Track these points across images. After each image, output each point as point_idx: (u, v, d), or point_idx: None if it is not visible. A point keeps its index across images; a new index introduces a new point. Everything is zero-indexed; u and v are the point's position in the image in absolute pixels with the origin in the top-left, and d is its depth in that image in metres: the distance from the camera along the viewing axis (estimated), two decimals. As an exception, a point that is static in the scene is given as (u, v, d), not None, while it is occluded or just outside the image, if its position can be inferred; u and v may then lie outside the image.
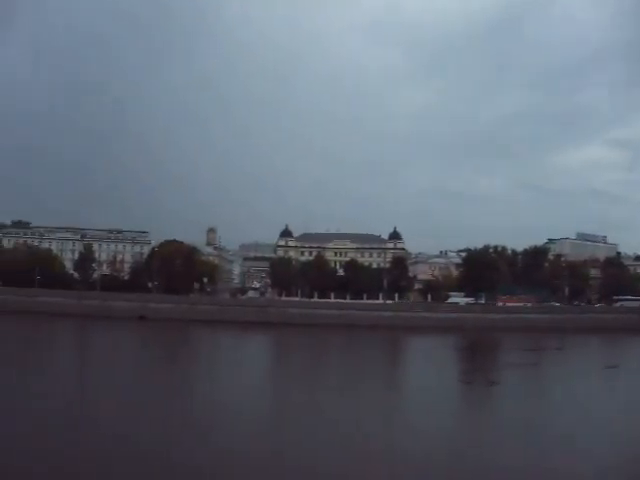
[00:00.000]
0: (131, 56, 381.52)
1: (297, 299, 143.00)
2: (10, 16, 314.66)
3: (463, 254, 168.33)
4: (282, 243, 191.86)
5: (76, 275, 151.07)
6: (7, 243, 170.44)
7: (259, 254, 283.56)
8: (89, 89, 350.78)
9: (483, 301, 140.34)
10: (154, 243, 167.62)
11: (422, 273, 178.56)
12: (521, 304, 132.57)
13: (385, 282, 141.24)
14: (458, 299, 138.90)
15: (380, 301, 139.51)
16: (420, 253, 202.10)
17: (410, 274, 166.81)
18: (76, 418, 30.43)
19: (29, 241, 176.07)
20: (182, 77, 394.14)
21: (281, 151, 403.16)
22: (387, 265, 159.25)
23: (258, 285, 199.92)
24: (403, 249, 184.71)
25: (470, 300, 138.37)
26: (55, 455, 23.56)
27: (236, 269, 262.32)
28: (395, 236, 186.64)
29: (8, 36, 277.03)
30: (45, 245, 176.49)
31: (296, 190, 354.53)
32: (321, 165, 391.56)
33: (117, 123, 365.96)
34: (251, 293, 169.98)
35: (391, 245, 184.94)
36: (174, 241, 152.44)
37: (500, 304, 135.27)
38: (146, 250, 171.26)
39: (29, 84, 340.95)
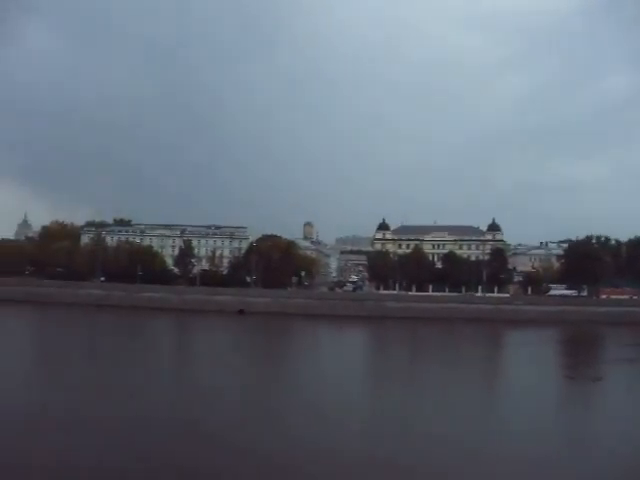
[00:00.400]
0: (234, 50, 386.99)
1: (395, 292, 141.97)
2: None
3: (564, 245, 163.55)
4: (379, 236, 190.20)
5: (176, 271, 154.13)
6: (110, 241, 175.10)
7: (356, 248, 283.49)
8: (189, 89, 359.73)
9: (585, 294, 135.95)
10: (252, 238, 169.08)
11: (522, 265, 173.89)
12: (625, 297, 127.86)
13: (484, 275, 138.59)
14: (559, 291, 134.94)
15: (479, 294, 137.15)
16: (519, 245, 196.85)
17: (509, 266, 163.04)
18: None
19: (131, 239, 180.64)
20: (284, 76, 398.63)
21: (378, 145, 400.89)
22: (486, 257, 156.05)
23: (355, 279, 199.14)
24: (502, 241, 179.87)
25: (572, 292, 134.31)
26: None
27: (333, 263, 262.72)
28: (494, 227, 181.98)
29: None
30: (146, 242, 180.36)
31: (392, 183, 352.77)
32: (417, 154, 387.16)
33: (214, 122, 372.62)
34: (348, 287, 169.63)
35: (490, 237, 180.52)
36: (272, 236, 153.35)
37: (603, 297, 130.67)
38: (244, 245, 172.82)
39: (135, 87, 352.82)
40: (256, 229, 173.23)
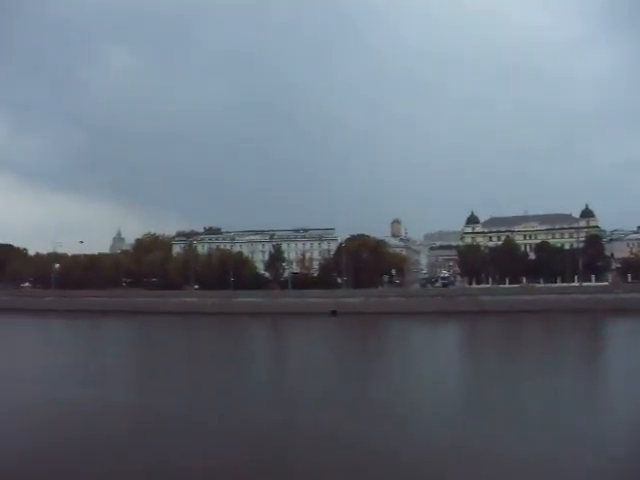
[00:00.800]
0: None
1: (488, 286, 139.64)
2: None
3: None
4: (468, 230, 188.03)
5: (267, 275, 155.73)
6: (201, 249, 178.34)
7: (444, 242, 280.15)
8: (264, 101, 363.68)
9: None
10: (340, 239, 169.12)
11: (619, 251, 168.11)
12: None
13: (580, 263, 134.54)
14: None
15: (576, 284, 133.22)
16: (616, 230, 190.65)
17: (606, 253, 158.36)
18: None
19: (221, 246, 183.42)
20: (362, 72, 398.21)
21: (457, 138, 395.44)
22: (581, 245, 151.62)
23: (446, 274, 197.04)
24: (596, 227, 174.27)
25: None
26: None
27: (423, 259, 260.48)
28: (587, 214, 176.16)
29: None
30: (236, 248, 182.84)
31: (479, 175, 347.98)
32: (502, 147, 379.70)
33: (294, 123, 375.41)
34: (439, 283, 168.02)
35: (583, 224, 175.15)
36: (360, 236, 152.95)
37: None
38: (333, 246, 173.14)
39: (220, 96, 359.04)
40: (344, 230, 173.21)
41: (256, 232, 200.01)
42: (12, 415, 30.66)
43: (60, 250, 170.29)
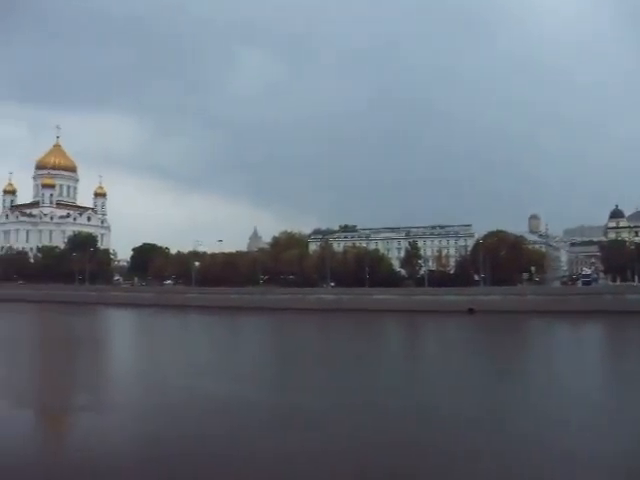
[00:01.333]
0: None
1: (634, 284, 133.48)
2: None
3: None
4: (612, 224, 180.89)
5: (403, 272, 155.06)
6: (337, 247, 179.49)
7: (586, 238, 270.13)
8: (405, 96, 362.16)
9: None
10: (477, 235, 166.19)
11: None
12: None
13: None
14: None
15: None
16: None
17: None
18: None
19: (357, 243, 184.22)
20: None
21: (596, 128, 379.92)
22: None
23: (588, 271, 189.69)
24: None
25: None
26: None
27: (563, 256, 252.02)
28: None
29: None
30: (372, 246, 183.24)
31: (621, 165, 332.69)
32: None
33: (434, 117, 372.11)
34: (581, 280, 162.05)
35: None
36: (498, 232, 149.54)
37: None
38: (469, 243, 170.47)
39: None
40: (481, 226, 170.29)
41: (391, 229, 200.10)
42: (160, 410, 31.36)
43: (200, 249, 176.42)
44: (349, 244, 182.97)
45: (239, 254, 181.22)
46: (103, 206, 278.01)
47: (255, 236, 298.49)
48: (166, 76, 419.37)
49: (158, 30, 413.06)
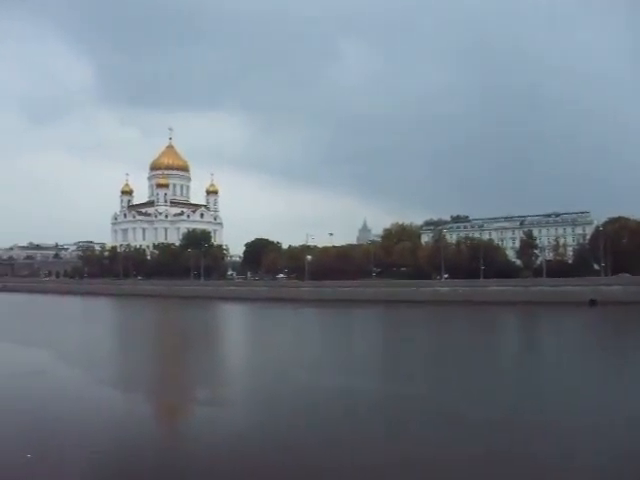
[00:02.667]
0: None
1: None
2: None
3: None
4: None
5: (518, 263, 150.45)
6: (449, 237, 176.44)
7: None
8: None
9: None
10: (596, 223, 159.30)
11: None
12: None
13: None
14: None
15: None
16: None
17: None
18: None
19: (469, 234, 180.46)
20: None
21: None
22: None
23: None
24: None
25: None
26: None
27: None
28: None
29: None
30: (485, 236, 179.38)
31: None
32: None
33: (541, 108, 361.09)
34: None
35: None
36: (620, 218, 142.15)
37: None
38: (588, 231, 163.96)
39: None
40: (600, 213, 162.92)
41: (505, 219, 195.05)
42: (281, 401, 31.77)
43: (311, 242, 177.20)
44: (462, 235, 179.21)
45: (351, 247, 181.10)
46: (215, 203, 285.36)
47: (365, 229, 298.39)
48: (270, 73, 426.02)
49: (260, 29, 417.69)
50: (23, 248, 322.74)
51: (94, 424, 26.31)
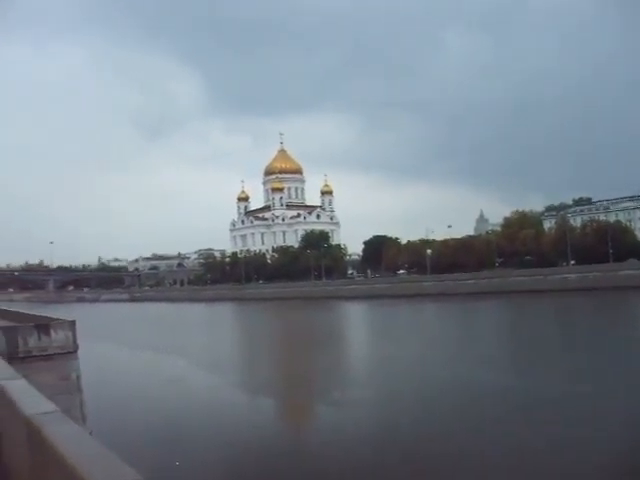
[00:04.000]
0: None
1: None
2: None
3: None
4: None
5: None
6: (573, 222, 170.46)
7: None
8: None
9: None
10: None
11: None
12: None
13: None
14: None
15: None
16: None
17: None
18: None
19: (594, 217, 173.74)
20: None
21: None
22: None
23: None
24: None
25: None
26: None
27: None
28: None
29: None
30: (611, 218, 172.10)
31: None
32: None
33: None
34: None
35: None
36: None
37: None
38: None
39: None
40: None
41: (631, 198, 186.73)
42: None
43: (431, 236, 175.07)
44: (586, 218, 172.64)
45: (471, 238, 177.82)
46: (330, 203, 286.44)
47: (482, 219, 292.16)
48: (372, 70, 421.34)
49: (358, 27, 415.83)
50: (147, 259, 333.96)
51: (232, 427, 27.34)
